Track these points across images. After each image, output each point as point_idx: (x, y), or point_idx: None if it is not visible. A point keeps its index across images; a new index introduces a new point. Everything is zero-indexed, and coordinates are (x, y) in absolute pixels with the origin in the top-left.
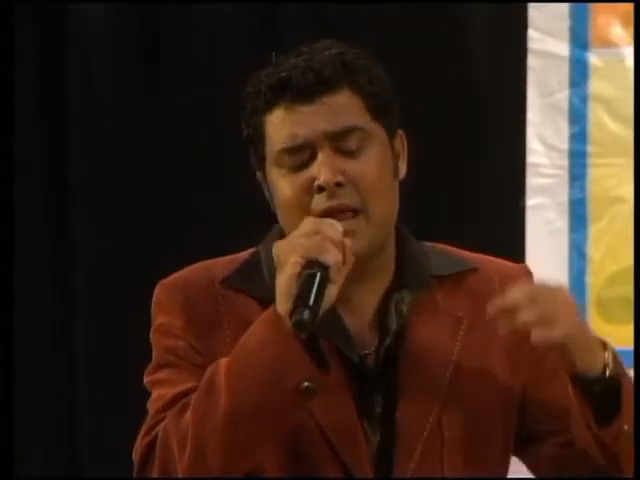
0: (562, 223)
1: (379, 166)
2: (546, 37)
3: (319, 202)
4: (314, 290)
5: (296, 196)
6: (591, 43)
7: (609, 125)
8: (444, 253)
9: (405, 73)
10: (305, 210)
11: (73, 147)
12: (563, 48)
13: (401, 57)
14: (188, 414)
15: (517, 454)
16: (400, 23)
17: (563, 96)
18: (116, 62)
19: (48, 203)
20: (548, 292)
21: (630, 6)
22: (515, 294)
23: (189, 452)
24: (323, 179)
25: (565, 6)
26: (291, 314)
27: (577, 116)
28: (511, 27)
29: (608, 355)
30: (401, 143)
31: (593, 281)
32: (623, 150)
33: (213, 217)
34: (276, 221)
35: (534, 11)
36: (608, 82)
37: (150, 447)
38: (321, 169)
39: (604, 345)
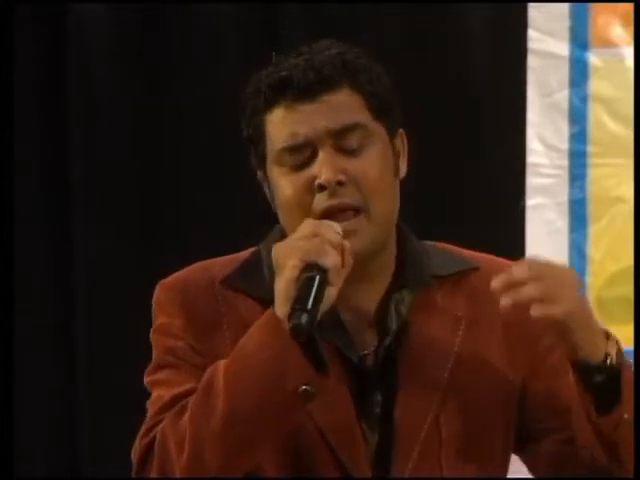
0: (562, 223)
1: (380, 165)
2: (546, 37)
3: (320, 201)
4: (313, 293)
5: (297, 195)
6: (591, 43)
7: (609, 125)
8: (445, 252)
9: (405, 73)
10: (306, 209)
11: (73, 147)
12: (563, 48)
13: (401, 57)
14: (186, 416)
15: (516, 452)
16: (400, 23)
17: (563, 96)
18: (116, 62)
19: (48, 203)
20: (553, 270)
21: (630, 6)
22: (520, 270)
23: (187, 454)
24: (324, 178)
25: (565, 6)
26: (289, 318)
27: (577, 116)
28: (511, 27)
29: (611, 344)
30: (402, 142)
31: (593, 281)
32: (623, 150)
33: (213, 217)
34: (276, 222)
35: (534, 11)
36: (608, 82)
37: (149, 448)
38: (322, 168)
39: (607, 334)
